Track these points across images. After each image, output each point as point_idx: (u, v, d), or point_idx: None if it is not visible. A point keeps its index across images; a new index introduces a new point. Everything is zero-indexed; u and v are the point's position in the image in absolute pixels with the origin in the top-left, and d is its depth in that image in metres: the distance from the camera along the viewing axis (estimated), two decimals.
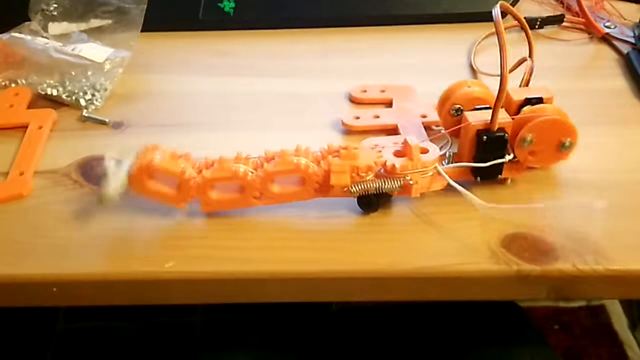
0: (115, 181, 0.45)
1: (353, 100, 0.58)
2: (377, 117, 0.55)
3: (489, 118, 0.45)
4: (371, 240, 0.46)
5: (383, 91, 0.58)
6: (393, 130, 0.54)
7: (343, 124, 0.54)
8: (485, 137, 0.45)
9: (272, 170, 0.45)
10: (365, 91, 0.58)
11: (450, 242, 0.45)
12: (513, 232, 0.45)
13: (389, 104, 0.57)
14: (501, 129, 0.45)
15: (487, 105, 0.47)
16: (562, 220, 0.46)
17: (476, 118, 0.45)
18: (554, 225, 0.46)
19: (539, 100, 0.47)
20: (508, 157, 0.46)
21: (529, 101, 0.47)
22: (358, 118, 0.55)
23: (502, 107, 0.47)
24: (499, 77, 0.43)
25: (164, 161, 0.45)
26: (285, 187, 0.46)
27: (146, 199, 0.46)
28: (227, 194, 0.46)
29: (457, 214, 0.46)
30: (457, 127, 0.46)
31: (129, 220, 0.47)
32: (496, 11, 0.44)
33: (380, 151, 0.46)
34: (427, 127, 0.53)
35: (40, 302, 0.46)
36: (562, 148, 0.46)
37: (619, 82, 0.59)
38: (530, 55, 0.50)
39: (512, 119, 0.45)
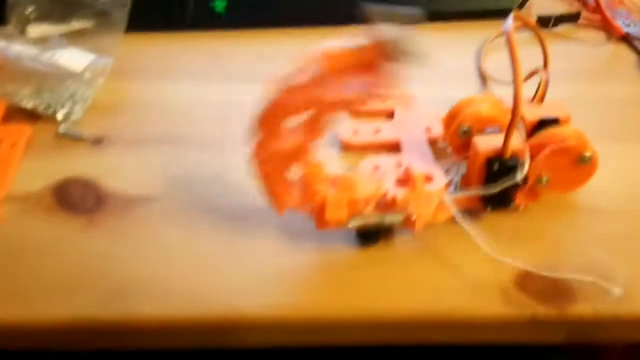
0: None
1: (351, 111, 0.53)
2: (378, 131, 0.50)
3: (501, 143, 0.40)
4: (372, 278, 0.41)
5: (384, 100, 0.54)
6: (395, 146, 0.49)
7: (341, 140, 0.50)
8: (496, 165, 0.40)
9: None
10: None
11: (458, 280, 0.41)
12: (527, 269, 0.41)
13: (390, 115, 0.53)
14: (514, 156, 0.41)
15: (498, 128, 0.42)
16: (581, 254, 0.42)
17: (486, 144, 0.41)
18: (572, 260, 0.42)
19: (555, 121, 0.42)
20: (519, 177, 0.41)
21: (544, 122, 0.42)
22: (357, 133, 0.50)
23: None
24: (512, 104, 0.38)
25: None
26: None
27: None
28: None
29: (465, 246, 0.42)
30: (465, 155, 0.42)
31: (96, 258, 0.43)
32: (508, 25, 0.39)
33: (380, 179, 0.42)
34: (432, 142, 0.49)
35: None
36: (581, 162, 0.41)
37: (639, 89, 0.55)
38: (545, 67, 0.46)
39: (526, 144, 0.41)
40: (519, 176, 0.41)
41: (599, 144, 0.48)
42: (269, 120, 0.37)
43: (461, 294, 0.40)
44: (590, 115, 0.52)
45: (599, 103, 0.54)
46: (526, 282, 0.40)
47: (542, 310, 0.39)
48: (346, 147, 0.50)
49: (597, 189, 0.45)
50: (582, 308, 0.39)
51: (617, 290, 0.39)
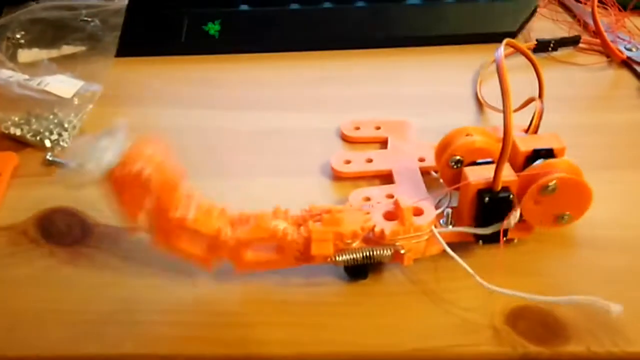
0: (113, 156, 0.35)
1: (345, 139, 0.52)
2: (370, 160, 0.49)
3: (491, 175, 0.39)
4: (360, 314, 0.40)
5: (378, 128, 0.52)
6: (387, 176, 0.48)
7: (332, 169, 0.49)
8: (487, 197, 0.39)
9: (246, 238, 0.39)
10: (358, 128, 0.53)
11: (448, 317, 0.40)
12: (519, 306, 0.40)
13: (384, 143, 0.51)
14: (505, 188, 0.39)
15: (490, 159, 0.41)
16: (577, 290, 0.40)
17: (477, 176, 0.40)
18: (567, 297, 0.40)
19: (549, 152, 0.41)
20: (514, 221, 0.40)
21: (538, 153, 0.41)
22: (349, 162, 0.49)
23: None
24: (502, 135, 0.37)
25: (199, 219, 0.38)
26: (261, 254, 0.41)
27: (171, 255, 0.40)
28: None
29: (456, 281, 0.41)
30: (456, 185, 0.41)
31: (82, 291, 0.42)
32: (499, 54, 0.38)
33: (368, 212, 0.41)
34: (425, 173, 0.48)
35: None
36: (561, 220, 0.40)
37: None
38: (540, 96, 0.45)
39: (518, 176, 0.40)
40: (513, 221, 0.40)
41: (598, 173, 0.47)
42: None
43: (451, 332, 0.39)
44: (588, 143, 0.51)
45: (598, 131, 0.52)
46: (518, 319, 0.39)
47: (534, 349, 0.38)
48: (337, 177, 0.49)
49: (596, 221, 0.44)
50: (575, 347, 0.38)
51: (616, 308, 0.37)
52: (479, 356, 0.38)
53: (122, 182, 0.36)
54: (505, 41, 0.41)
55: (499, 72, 0.37)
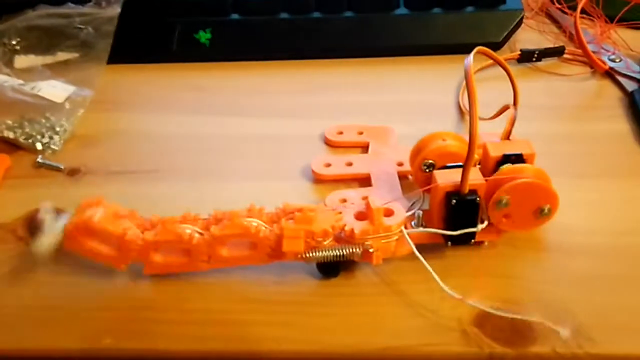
0: (49, 236, 0.41)
1: (328, 143, 0.53)
2: (350, 164, 0.50)
3: (460, 178, 0.40)
4: (332, 313, 0.41)
5: (361, 133, 0.54)
6: (366, 180, 0.49)
7: (313, 172, 0.50)
8: (454, 200, 0.40)
9: (220, 234, 0.40)
10: (341, 133, 0.54)
11: (418, 318, 0.40)
12: (484, 308, 0.40)
13: (365, 147, 0.52)
14: (473, 192, 0.40)
15: (461, 164, 0.42)
16: (544, 293, 0.41)
17: (445, 178, 0.41)
18: (534, 299, 0.41)
19: (519, 158, 0.42)
20: (480, 226, 0.41)
21: (508, 158, 0.42)
22: (329, 165, 0.50)
23: (477, 165, 0.42)
24: (468, 136, 0.38)
25: (105, 220, 0.41)
26: (236, 250, 0.42)
27: (83, 258, 0.42)
28: (173, 256, 0.42)
29: (426, 282, 0.41)
30: (426, 187, 0.42)
31: (67, 286, 0.43)
32: (468, 61, 0.39)
33: (340, 212, 0.42)
34: (403, 177, 0.49)
35: None
36: (541, 214, 0.41)
37: (621, 126, 0.54)
38: (514, 104, 0.46)
39: (486, 180, 0.40)
40: (480, 226, 0.41)
41: (573, 181, 0.48)
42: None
43: (422, 332, 0.40)
44: (568, 152, 0.52)
45: (578, 140, 0.53)
46: (486, 321, 0.40)
47: (500, 350, 0.38)
48: (318, 179, 0.50)
49: (568, 227, 0.45)
50: (541, 348, 0.38)
51: (565, 332, 0.38)
52: (448, 355, 0.39)
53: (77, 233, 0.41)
54: (475, 49, 0.42)
55: (467, 79, 0.39)
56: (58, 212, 0.42)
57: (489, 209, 0.41)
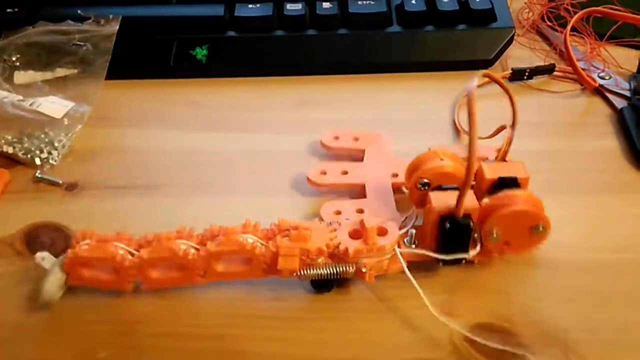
0: (53, 280, 0.42)
1: (324, 146, 0.54)
2: (345, 172, 0.51)
3: (454, 202, 0.41)
4: (325, 328, 0.42)
5: (356, 139, 0.54)
6: (360, 190, 0.50)
7: (308, 179, 0.51)
8: (448, 223, 0.41)
9: (215, 250, 0.41)
10: (337, 138, 0.54)
11: (411, 332, 0.41)
12: (479, 323, 0.41)
13: (361, 154, 0.53)
14: (467, 216, 0.41)
15: (456, 186, 0.43)
16: (535, 309, 0.42)
17: (440, 201, 0.41)
18: (524, 316, 0.42)
19: (514, 181, 0.43)
20: (472, 252, 0.42)
21: (503, 181, 0.43)
22: (325, 173, 0.51)
23: (471, 188, 0.43)
24: (467, 163, 0.39)
25: (93, 248, 0.42)
26: (232, 265, 0.43)
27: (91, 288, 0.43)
28: (169, 272, 0.43)
29: (420, 298, 0.42)
30: (420, 209, 0.43)
31: (63, 299, 0.43)
32: (471, 86, 0.38)
33: (335, 229, 0.43)
34: (397, 189, 0.49)
35: None
36: (537, 232, 0.42)
37: (610, 143, 0.55)
38: (513, 125, 0.46)
39: (480, 205, 0.41)
40: (472, 252, 0.42)
41: (566, 196, 0.49)
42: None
43: (412, 346, 0.41)
44: (557, 169, 0.53)
45: (568, 157, 0.54)
46: (478, 336, 0.40)
47: None
48: (313, 186, 0.51)
49: (559, 244, 0.45)
50: None
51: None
52: None
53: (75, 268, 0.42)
54: (481, 72, 0.42)
55: (469, 105, 0.37)
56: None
57: (484, 241, 0.42)
